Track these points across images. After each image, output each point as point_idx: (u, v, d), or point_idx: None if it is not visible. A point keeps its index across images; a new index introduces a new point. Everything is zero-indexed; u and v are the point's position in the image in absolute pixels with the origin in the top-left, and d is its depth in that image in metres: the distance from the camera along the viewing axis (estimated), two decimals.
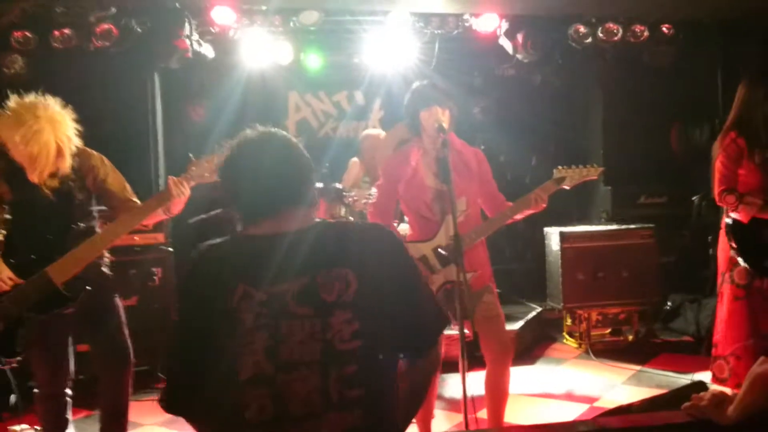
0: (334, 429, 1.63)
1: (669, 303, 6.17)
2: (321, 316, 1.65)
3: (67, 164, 3.12)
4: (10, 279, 3.01)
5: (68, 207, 3.15)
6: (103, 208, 3.36)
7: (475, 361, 3.30)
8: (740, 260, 3.76)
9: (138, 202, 3.29)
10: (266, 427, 1.62)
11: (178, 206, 3.20)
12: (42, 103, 3.03)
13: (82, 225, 3.16)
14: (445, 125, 3.30)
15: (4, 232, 3.17)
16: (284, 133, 1.87)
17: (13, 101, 3.03)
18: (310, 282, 1.68)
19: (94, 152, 3.29)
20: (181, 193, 3.12)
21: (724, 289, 3.92)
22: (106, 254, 3.34)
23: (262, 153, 1.79)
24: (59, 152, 3.04)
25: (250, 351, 1.62)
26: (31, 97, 3.05)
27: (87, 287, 3.10)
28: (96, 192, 3.26)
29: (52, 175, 3.12)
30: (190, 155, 3.18)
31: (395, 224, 4.05)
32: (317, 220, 1.86)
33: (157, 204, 3.16)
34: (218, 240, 1.83)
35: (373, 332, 1.68)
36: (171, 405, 1.76)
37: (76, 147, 3.19)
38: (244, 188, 1.79)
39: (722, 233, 3.93)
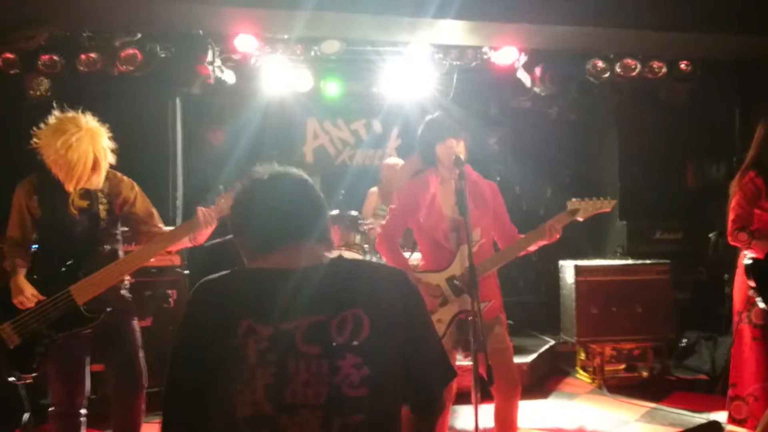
0: None
1: (684, 340, 6.11)
2: (329, 356, 1.58)
3: (101, 178, 3.21)
4: (34, 296, 3.07)
5: (93, 228, 3.22)
6: (125, 229, 3.41)
7: (487, 393, 3.28)
8: (759, 300, 3.73)
9: (163, 228, 3.34)
10: None
11: (204, 236, 3.27)
12: (83, 116, 3.19)
13: (107, 247, 3.22)
14: (462, 156, 3.32)
15: (35, 246, 3.25)
16: (297, 170, 1.84)
17: (55, 115, 3.18)
18: (321, 321, 1.61)
19: (125, 178, 3.38)
20: (209, 224, 3.20)
21: (742, 328, 3.89)
22: (127, 276, 3.38)
23: (274, 187, 1.76)
24: (95, 164, 3.15)
25: (250, 389, 1.54)
26: (71, 112, 3.20)
27: (107, 309, 3.14)
28: (122, 216, 3.33)
29: (82, 196, 3.21)
30: (221, 187, 3.24)
31: (407, 254, 4.05)
32: (331, 256, 1.79)
33: (184, 232, 3.23)
34: (220, 273, 1.74)
35: (382, 380, 1.61)
36: None
37: (109, 171, 3.30)
38: (254, 220, 1.75)
39: (739, 272, 3.90)
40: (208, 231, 3.23)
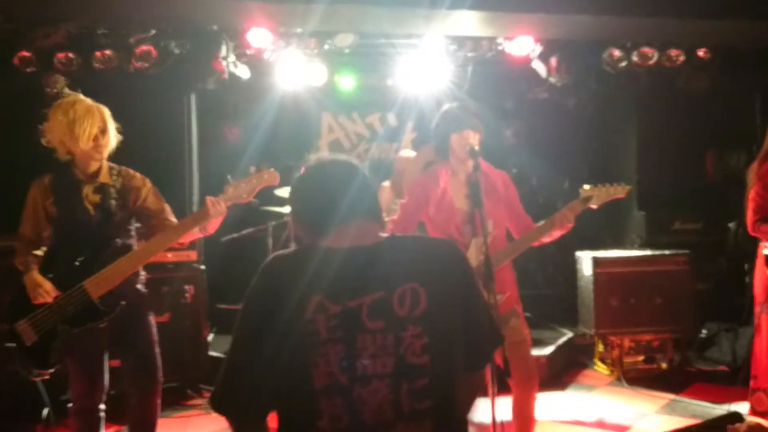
0: None
1: (704, 331, 6.05)
2: (393, 330, 1.71)
3: (109, 145, 3.23)
4: (53, 290, 3.09)
5: (107, 223, 3.24)
6: (139, 225, 3.43)
7: (504, 386, 3.27)
8: None
9: (175, 221, 3.35)
10: None
11: (214, 225, 3.27)
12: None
13: (119, 241, 3.24)
14: (477, 148, 3.30)
15: (45, 248, 3.27)
16: (345, 156, 2.00)
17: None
18: (383, 297, 1.73)
19: (137, 173, 3.40)
20: (219, 213, 3.19)
21: (762, 320, 3.84)
22: (142, 272, 3.40)
23: (323, 172, 1.90)
24: (103, 124, 3.18)
25: (325, 362, 1.68)
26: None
27: (122, 302, 3.16)
28: (135, 211, 3.34)
29: (96, 191, 3.25)
30: (228, 177, 3.24)
31: None
32: (384, 235, 1.90)
33: (194, 223, 3.22)
34: (290, 250, 1.90)
35: (440, 346, 1.74)
36: (222, 404, 1.78)
37: (122, 167, 3.34)
38: (308, 204, 1.89)
39: (759, 262, 3.86)
40: (218, 220, 3.23)
